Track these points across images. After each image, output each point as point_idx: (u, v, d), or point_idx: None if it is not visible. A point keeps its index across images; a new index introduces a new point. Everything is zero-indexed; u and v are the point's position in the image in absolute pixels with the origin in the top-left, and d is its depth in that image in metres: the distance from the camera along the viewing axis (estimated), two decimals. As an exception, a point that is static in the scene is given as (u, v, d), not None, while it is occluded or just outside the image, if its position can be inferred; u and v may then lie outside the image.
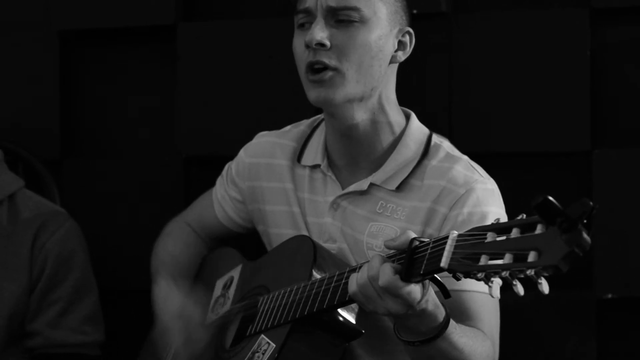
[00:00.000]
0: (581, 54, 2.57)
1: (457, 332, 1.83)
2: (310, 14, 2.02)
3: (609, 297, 2.54)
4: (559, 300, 2.57)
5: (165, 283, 2.24)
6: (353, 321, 1.92)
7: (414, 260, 1.73)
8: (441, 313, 1.79)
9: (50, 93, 2.83)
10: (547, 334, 2.58)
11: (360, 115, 2.04)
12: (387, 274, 1.73)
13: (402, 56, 2.07)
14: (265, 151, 2.23)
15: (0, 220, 2.45)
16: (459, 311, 1.94)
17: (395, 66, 2.08)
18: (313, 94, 2.02)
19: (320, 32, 1.98)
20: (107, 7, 2.80)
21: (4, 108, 2.85)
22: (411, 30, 2.08)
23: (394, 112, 2.09)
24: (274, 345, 1.92)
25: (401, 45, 2.07)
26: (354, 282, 1.79)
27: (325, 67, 1.99)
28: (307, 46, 1.99)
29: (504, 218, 2.02)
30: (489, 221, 1.93)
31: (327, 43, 1.99)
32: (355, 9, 1.99)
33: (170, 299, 2.19)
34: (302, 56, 2.02)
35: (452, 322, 1.81)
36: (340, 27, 2.00)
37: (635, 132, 2.57)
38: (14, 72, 2.86)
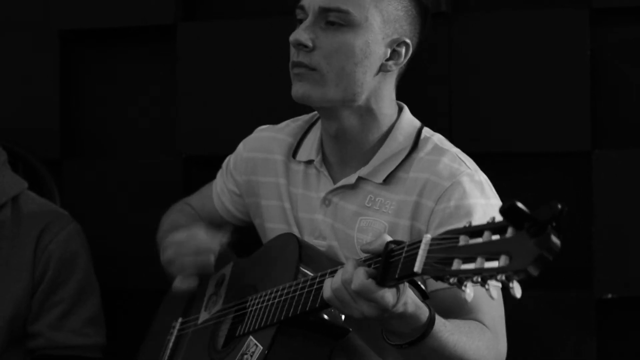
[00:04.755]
0: (581, 54, 2.57)
1: (446, 330, 1.80)
2: (304, 11, 2.03)
3: (609, 297, 2.54)
4: (559, 300, 2.57)
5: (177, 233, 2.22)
6: (340, 319, 1.91)
7: (389, 264, 1.72)
8: (424, 313, 1.77)
9: (50, 93, 2.83)
10: (547, 334, 2.58)
11: (348, 118, 2.05)
12: (360, 277, 1.71)
13: (392, 66, 2.04)
14: (263, 146, 2.24)
15: (4, 222, 2.45)
16: (458, 306, 1.92)
17: (388, 75, 2.05)
18: (294, 88, 2.03)
19: (304, 34, 1.99)
20: (107, 7, 2.80)
21: (4, 108, 2.85)
22: (409, 42, 2.04)
23: (388, 110, 2.08)
24: (261, 347, 1.93)
25: (395, 54, 2.04)
26: (328, 287, 1.78)
27: (305, 67, 2.00)
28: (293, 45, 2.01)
29: (495, 208, 1.98)
30: (476, 214, 1.93)
31: (310, 44, 1.99)
32: (344, 11, 1.98)
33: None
34: (291, 52, 2.04)
35: (439, 320, 1.79)
36: (328, 30, 2.00)
37: (635, 132, 2.57)
38: (14, 72, 2.86)
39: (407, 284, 1.75)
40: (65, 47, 2.85)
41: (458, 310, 1.93)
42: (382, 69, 2.04)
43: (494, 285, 1.55)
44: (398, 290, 1.73)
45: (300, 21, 2.04)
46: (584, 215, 2.54)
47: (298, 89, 2.02)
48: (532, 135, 2.60)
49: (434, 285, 1.94)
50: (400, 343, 1.79)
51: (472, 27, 2.63)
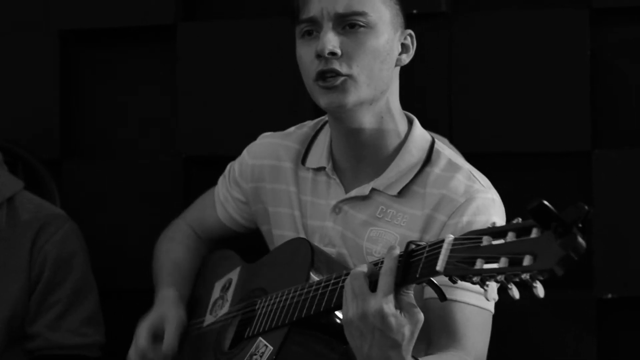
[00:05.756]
0: (581, 54, 2.57)
1: None
2: (315, 23, 2.00)
3: (609, 297, 2.54)
4: (559, 300, 2.57)
5: (165, 293, 2.26)
6: None
7: (410, 264, 1.73)
8: None
9: (50, 93, 2.83)
10: (547, 334, 2.58)
11: (368, 119, 2.04)
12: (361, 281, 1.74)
13: (406, 59, 2.07)
14: (269, 153, 2.23)
15: (-1, 223, 2.45)
16: (446, 321, 1.94)
17: (398, 69, 2.08)
18: (325, 99, 2.00)
19: (331, 41, 1.97)
20: (107, 7, 2.80)
21: (3, 108, 2.85)
22: (412, 33, 2.08)
23: (399, 117, 2.09)
24: (272, 348, 1.93)
25: (404, 47, 2.07)
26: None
27: (337, 74, 1.98)
28: (319, 55, 1.98)
29: None
30: None
31: (339, 52, 1.98)
32: (362, 13, 1.99)
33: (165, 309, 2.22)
34: (310, 65, 2.00)
35: None
36: (349, 34, 1.99)
37: (635, 132, 2.58)
38: (14, 72, 2.86)
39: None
40: (65, 47, 2.85)
41: (445, 325, 1.94)
42: (397, 63, 2.06)
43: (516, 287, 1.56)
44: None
45: (309, 32, 2.02)
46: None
47: (333, 100, 1.99)
48: (532, 135, 2.60)
49: (427, 293, 1.96)
50: None
51: (472, 27, 2.63)
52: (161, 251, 2.39)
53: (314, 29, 2.01)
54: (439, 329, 1.94)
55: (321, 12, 1.99)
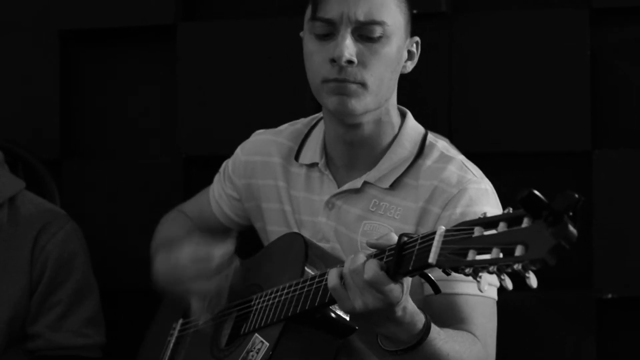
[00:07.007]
0: (581, 54, 2.57)
1: (440, 338, 1.82)
2: (332, 25, 1.98)
3: (608, 297, 2.54)
4: (559, 300, 2.57)
5: (165, 254, 2.19)
6: (346, 317, 1.91)
7: (402, 256, 1.72)
8: (420, 320, 1.78)
9: (50, 93, 2.83)
10: (547, 334, 2.58)
11: (367, 121, 2.04)
12: (373, 268, 1.72)
13: (410, 66, 2.06)
14: (261, 149, 2.23)
15: (1, 222, 2.44)
16: (451, 314, 1.94)
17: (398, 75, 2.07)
18: (334, 101, 1.99)
19: (349, 49, 1.96)
20: (107, 7, 2.80)
21: (4, 108, 2.85)
22: (418, 40, 2.07)
23: (395, 114, 2.09)
24: (268, 344, 1.93)
25: (410, 54, 2.06)
26: (335, 276, 1.78)
27: (350, 82, 1.97)
28: (333, 60, 1.97)
29: None
30: None
31: (355, 60, 1.96)
32: (381, 23, 1.96)
33: (175, 252, 2.13)
34: (321, 66, 1.99)
35: (434, 328, 1.80)
36: (365, 42, 1.97)
37: (635, 132, 2.58)
38: (14, 72, 2.86)
39: (408, 286, 1.76)
40: (65, 47, 2.85)
41: (450, 318, 1.94)
42: (402, 70, 2.05)
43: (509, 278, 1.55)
44: (402, 291, 1.74)
45: (325, 36, 1.99)
46: (584, 215, 2.54)
47: (342, 102, 1.98)
48: (532, 135, 2.60)
49: (427, 290, 1.96)
50: (395, 349, 1.80)
51: (472, 27, 2.63)
52: (161, 231, 2.39)
53: (329, 31, 1.99)
54: (447, 321, 1.93)
55: (341, 17, 1.97)
